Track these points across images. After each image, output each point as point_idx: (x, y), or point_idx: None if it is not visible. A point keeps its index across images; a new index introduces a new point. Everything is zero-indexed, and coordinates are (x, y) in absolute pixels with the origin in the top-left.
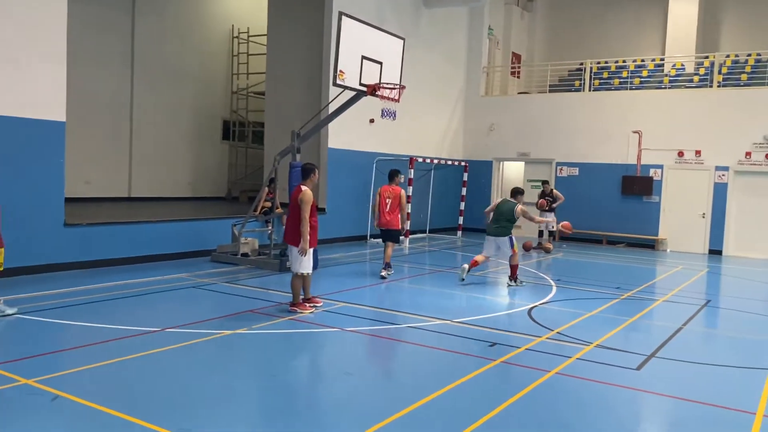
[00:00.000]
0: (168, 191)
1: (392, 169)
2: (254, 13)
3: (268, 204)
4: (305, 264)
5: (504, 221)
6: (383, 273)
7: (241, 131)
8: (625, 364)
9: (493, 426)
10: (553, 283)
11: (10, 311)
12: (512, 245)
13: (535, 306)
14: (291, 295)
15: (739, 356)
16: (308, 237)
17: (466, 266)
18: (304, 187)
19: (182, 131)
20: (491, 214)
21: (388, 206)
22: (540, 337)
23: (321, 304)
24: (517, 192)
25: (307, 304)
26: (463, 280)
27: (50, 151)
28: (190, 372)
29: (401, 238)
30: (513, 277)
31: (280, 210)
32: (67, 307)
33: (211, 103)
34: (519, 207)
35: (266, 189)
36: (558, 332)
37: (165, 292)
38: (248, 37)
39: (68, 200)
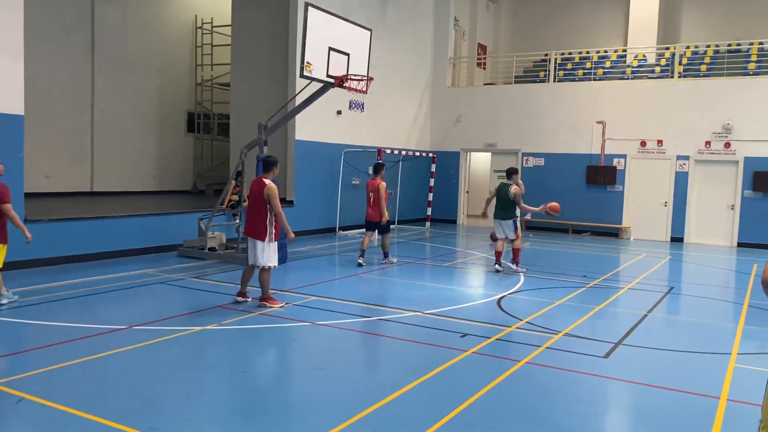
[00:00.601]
0: (132, 185)
1: (376, 163)
2: (218, 3)
3: (235, 197)
4: (272, 257)
5: (506, 204)
6: (360, 261)
7: (206, 123)
8: (593, 353)
9: (466, 417)
10: (521, 272)
11: (15, 297)
12: (516, 228)
13: (504, 296)
14: (260, 289)
15: (702, 342)
16: (288, 226)
17: (499, 268)
18: (268, 181)
19: (146, 123)
20: (492, 200)
21: (371, 200)
22: (510, 327)
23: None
24: (512, 172)
25: (272, 300)
26: (499, 271)
27: (8, 146)
28: (159, 370)
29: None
30: (515, 260)
31: (247, 203)
32: (30, 306)
33: (175, 95)
34: (512, 188)
35: (233, 182)
36: (527, 322)
37: (131, 288)
38: (212, 27)
39: (28, 196)
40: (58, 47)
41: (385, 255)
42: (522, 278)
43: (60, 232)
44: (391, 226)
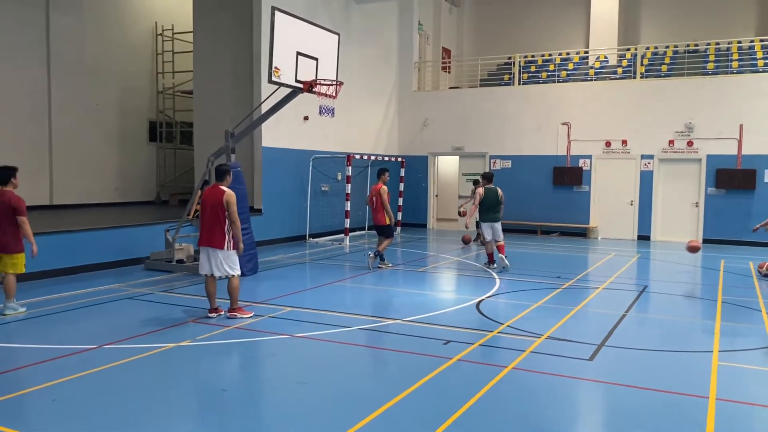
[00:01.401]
0: (93, 197)
1: (379, 168)
2: (178, 9)
3: None
4: (235, 264)
5: (497, 206)
6: (380, 264)
7: (169, 132)
8: (577, 355)
9: (459, 428)
10: (495, 275)
11: (22, 309)
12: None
13: (482, 300)
14: (229, 300)
15: (683, 340)
16: (240, 236)
17: (504, 262)
18: (225, 188)
19: (106, 133)
20: (478, 206)
21: (374, 204)
22: (492, 331)
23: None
24: (491, 176)
25: (241, 310)
26: (504, 267)
27: None
28: (133, 391)
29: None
30: (502, 254)
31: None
32: None
33: (135, 104)
34: (500, 191)
35: (199, 192)
36: (508, 325)
37: (98, 305)
38: (173, 34)
39: None
40: (10, 56)
41: (381, 258)
42: (498, 281)
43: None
44: (362, 232)
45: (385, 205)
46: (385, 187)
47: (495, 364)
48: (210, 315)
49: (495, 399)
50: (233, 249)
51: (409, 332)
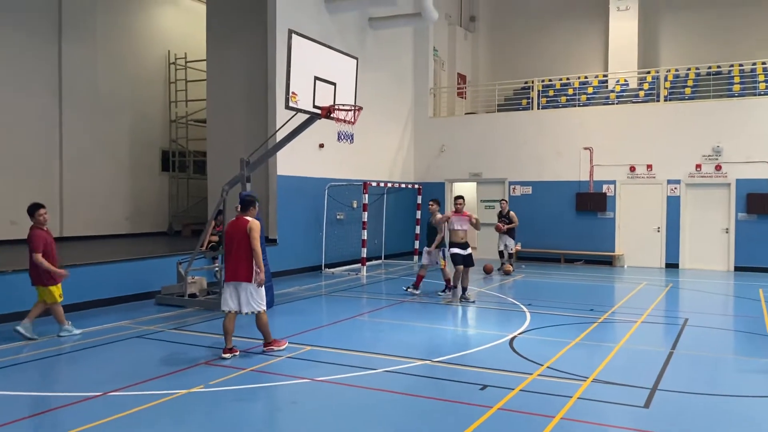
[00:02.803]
0: (104, 229)
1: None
2: (191, 37)
3: (215, 238)
4: (262, 299)
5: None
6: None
7: (182, 161)
8: (631, 401)
9: None
10: (525, 308)
11: (77, 331)
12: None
13: (515, 336)
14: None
15: (745, 382)
16: (262, 266)
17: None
18: (250, 218)
19: (118, 163)
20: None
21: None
22: (531, 374)
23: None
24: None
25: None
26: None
27: None
28: None
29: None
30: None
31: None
32: None
33: (148, 133)
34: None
35: (213, 222)
36: (548, 366)
37: (105, 345)
38: (186, 62)
39: None
40: (22, 87)
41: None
42: (528, 315)
43: (25, 284)
44: (378, 261)
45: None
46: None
47: (541, 413)
48: (224, 355)
49: None
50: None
51: (440, 375)
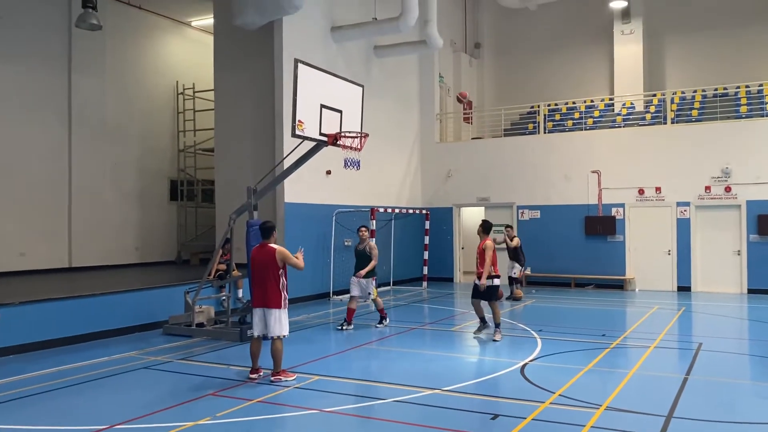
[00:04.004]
0: (113, 259)
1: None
2: (199, 67)
3: (223, 267)
4: (286, 325)
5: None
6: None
7: (190, 190)
8: (645, 430)
9: None
10: (536, 334)
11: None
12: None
13: (526, 363)
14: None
15: (763, 409)
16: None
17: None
18: (274, 245)
19: (126, 193)
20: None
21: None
22: (543, 402)
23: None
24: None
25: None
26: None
27: None
28: None
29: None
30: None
31: (237, 273)
32: None
33: (156, 163)
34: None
35: (220, 251)
36: (561, 394)
37: (112, 376)
38: (194, 92)
39: (1, 275)
40: (32, 118)
41: (483, 322)
42: (539, 341)
43: (32, 316)
44: (387, 288)
45: (486, 264)
46: (489, 242)
47: None
48: (251, 376)
49: None
50: (287, 308)
51: (450, 404)
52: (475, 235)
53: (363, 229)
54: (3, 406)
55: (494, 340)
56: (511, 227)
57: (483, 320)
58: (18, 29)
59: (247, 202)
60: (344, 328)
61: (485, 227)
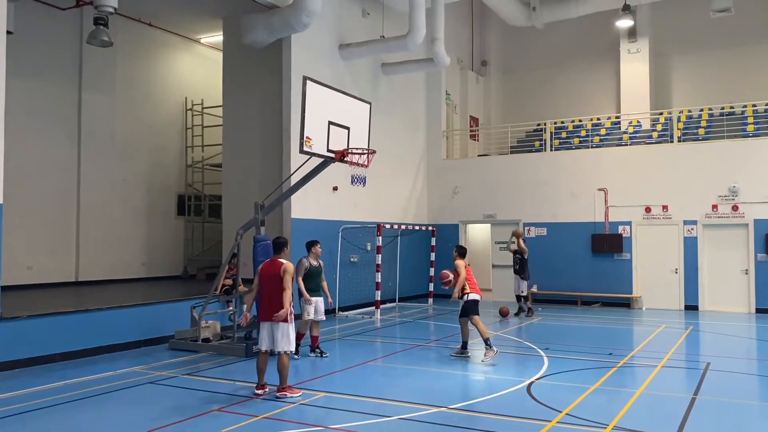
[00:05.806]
0: (120, 273)
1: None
2: (208, 84)
3: (230, 282)
4: (292, 340)
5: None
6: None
7: (197, 205)
8: None
9: None
10: (542, 352)
11: None
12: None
13: (533, 381)
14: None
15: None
16: (290, 308)
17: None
18: (284, 260)
19: (134, 208)
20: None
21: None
22: (550, 421)
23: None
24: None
25: (290, 389)
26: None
27: None
28: None
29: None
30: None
31: (243, 288)
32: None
33: (164, 178)
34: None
35: (227, 266)
36: (567, 413)
37: (117, 391)
38: (202, 108)
39: (8, 288)
40: (42, 133)
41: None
42: (546, 360)
43: (39, 330)
44: (393, 304)
45: (458, 281)
46: (458, 262)
47: None
48: (257, 392)
49: None
50: (294, 322)
51: (456, 423)
52: (481, 252)
53: (317, 244)
54: (9, 420)
55: (482, 361)
56: (519, 232)
57: (465, 345)
58: (30, 45)
59: (254, 218)
60: (318, 354)
61: (460, 252)
